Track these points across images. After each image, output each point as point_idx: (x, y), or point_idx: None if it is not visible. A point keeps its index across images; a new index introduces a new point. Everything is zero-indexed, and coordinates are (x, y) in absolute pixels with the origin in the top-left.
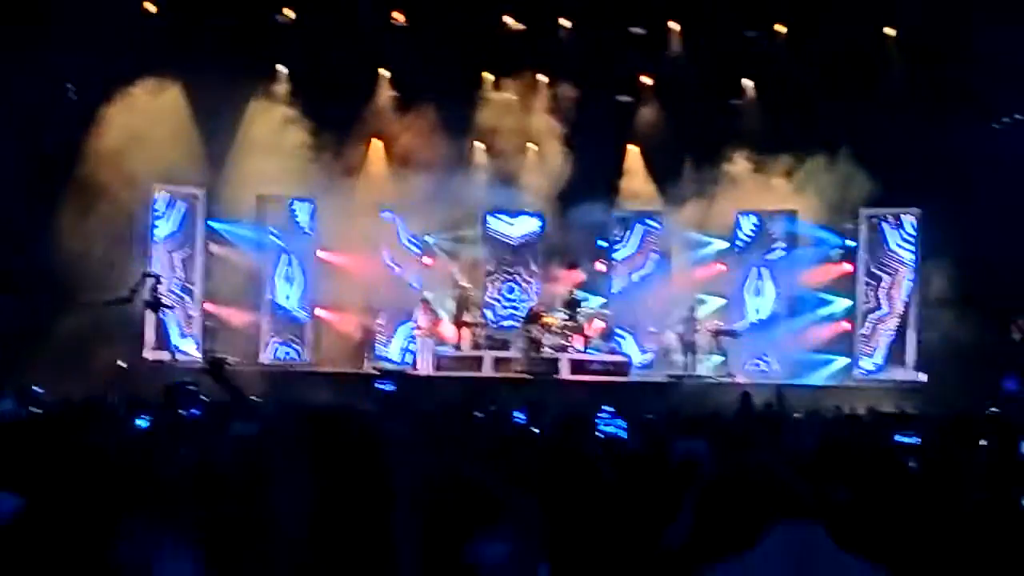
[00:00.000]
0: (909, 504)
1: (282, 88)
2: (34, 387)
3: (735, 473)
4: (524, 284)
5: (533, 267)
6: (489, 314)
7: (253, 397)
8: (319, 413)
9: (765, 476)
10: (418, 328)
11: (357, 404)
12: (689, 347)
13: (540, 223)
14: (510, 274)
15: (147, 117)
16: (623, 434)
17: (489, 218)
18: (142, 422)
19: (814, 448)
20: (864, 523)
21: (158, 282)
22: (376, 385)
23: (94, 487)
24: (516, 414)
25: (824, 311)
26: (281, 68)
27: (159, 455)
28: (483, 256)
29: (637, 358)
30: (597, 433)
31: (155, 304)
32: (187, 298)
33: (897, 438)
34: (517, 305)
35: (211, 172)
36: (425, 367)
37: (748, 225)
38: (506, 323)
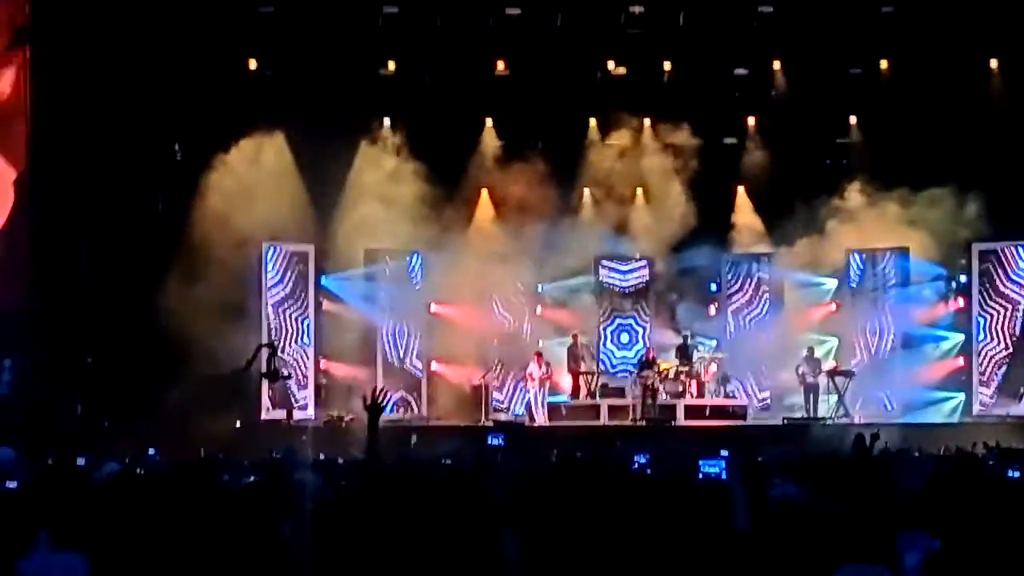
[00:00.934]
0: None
1: (388, 140)
2: (149, 449)
3: (824, 518)
4: (638, 330)
5: (646, 313)
6: (604, 362)
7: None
8: (418, 473)
9: (838, 519)
10: (531, 379)
11: (466, 461)
12: (810, 389)
13: (651, 269)
14: (623, 321)
15: (253, 173)
16: (723, 475)
17: (600, 265)
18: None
19: (923, 487)
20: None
21: (274, 352)
22: (488, 440)
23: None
24: (637, 458)
25: (939, 348)
26: (386, 120)
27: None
28: (595, 304)
29: (754, 401)
30: (699, 475)
31: (272, 375)
32: (301, 357)
33: (1010, 473)
34: (631, 352)
35: (319, 226)
36: (540, 418)
37: (860, 263)
38: (620, 371)
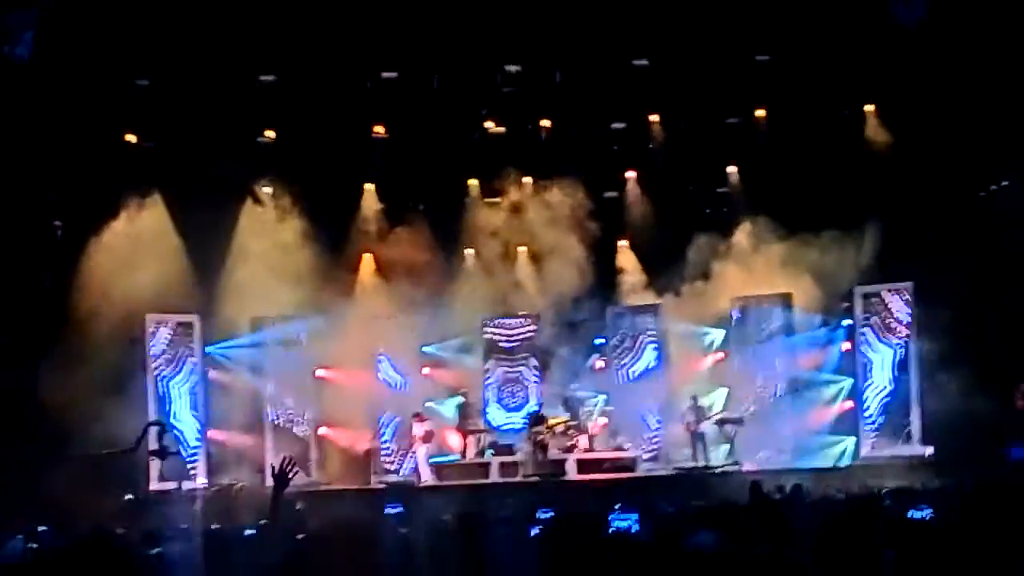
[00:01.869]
0: None
1: (270, 206)
2: (40, 527)
3: (748, 562)
4: (526, 387)
5: (534, 370)
6: (489, 421)
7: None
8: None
9: (774, 564)
10: (415, 439)
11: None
12: (697, 438)
13: (537, 325)
14: (511, 378)
15: (133, 243)
16: (635, 527)
17: (486, 324)
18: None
19: (819, 531)
20: None
21: (163, 430)
22: (387, 510)
23: None
24: (540, 514)
25: (826, 392)
26: (267, 187)
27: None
28: (482, 362)
29: (642, 454)
30: (610, 529)
31: (161, 453)
32: (189, 427)
33: (910, 514)
34: (519, 412)
35: (204, 293)
36: (427, 477)
37: (744, 312)
38: (508, 428)
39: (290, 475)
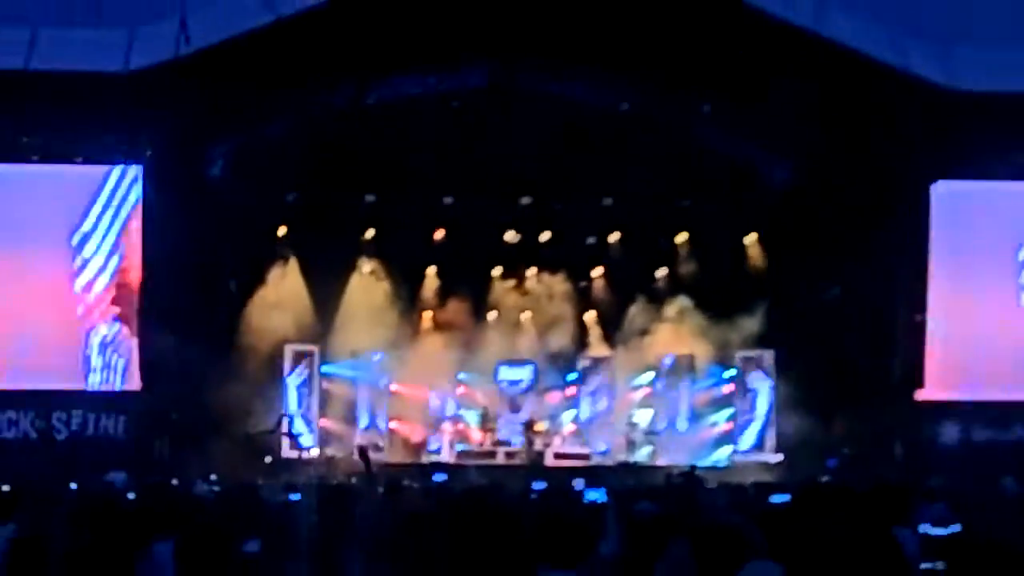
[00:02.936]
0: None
1: (367, 275)
2: (212, 476)
3: (676, 521)
4: (525, 404)
5: (530, 395)
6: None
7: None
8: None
9: (735, 528)
10: (449, 433)
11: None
12: (631, 443)
13: (533, 367)
14: (515, 400)
15: (277, 296)
16: (604, 499)
17: (500, 365)
18: (293, 496)
19: (727, 506)
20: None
21: (292, 421)
22: (433, 478)
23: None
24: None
25: (716, 417)
26: (366, 264)
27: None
28: (497, 387)
29: (596, 452)
30: (585, 500)
31: (289, 434)
32: (308, 418)
33: (772, 499)
34: (520, 418)
35: (321, 332)
36: (450, 459)
37: (668, 362)
38: (509, 429)
39: (369, 454)
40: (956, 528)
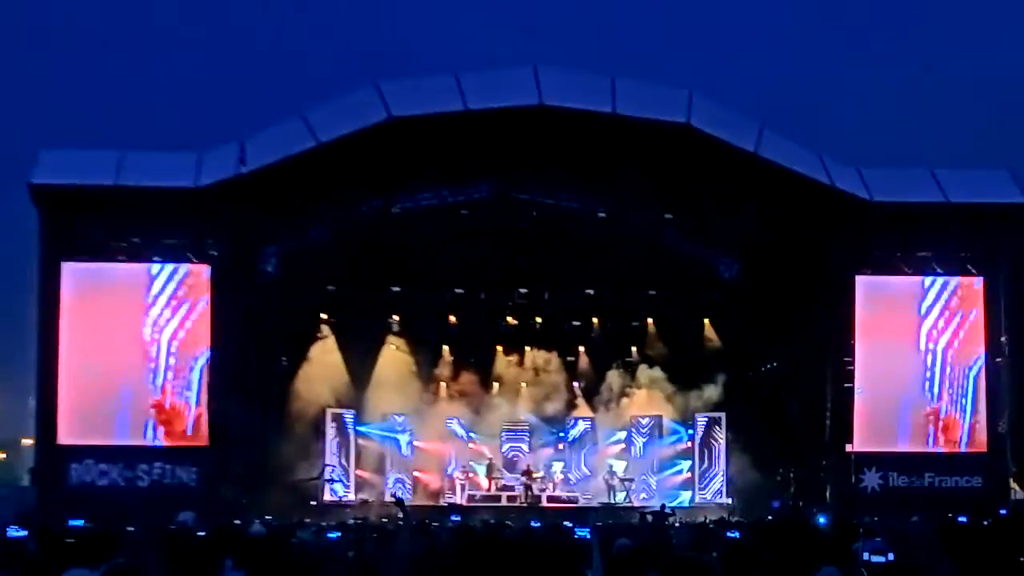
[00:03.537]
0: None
1: (393, 350)
2: (267, 517)
3: (650, 554)
4: (521, 458)
5: (528, 449)
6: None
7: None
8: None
9: (699, 561)
10: (459, 479)
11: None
12: (611, 488)
13: (529, 428)
14: (515, 454)
15: (319, 368)
16: (589, 535)
17: (503, 427)
18: (334, 535)
19: (692, 541)
20: None
21: (333, 469)
22: (450, 518)
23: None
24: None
25: (680, 466)
26: (393, 341)
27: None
28: (501, 444)
29: (581, 496)
30: (575, 536)
31: (330, 481)
32: (346, 468)
33: (727, 533)
34: (520, 468)
35: (356, 397)
36: (462, 501)
37: (640, 422)
38: (511, 480)
39: (403, 500)
40: (891, 557)
